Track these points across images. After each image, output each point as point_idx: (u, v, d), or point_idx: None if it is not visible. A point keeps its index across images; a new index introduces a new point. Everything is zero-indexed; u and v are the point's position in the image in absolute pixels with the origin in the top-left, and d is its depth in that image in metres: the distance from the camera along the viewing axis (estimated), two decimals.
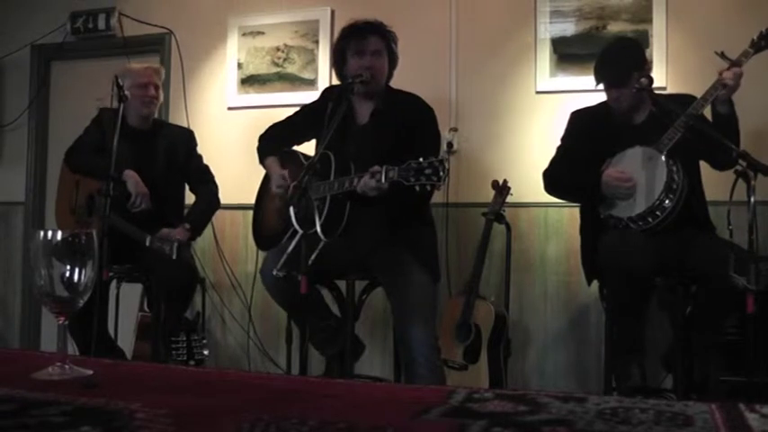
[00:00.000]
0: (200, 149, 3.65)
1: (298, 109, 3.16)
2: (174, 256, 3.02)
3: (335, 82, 3.19)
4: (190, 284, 3.30)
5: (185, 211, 3.57)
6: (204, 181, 3.58)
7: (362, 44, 2.88)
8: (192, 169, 3.57)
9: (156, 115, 3.58)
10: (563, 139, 3.03)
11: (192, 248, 3.66)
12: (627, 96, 2.80)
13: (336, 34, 3.03)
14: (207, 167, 3.63)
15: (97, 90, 3.53)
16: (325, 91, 3.14)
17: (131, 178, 3.21)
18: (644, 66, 2.87)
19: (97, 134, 3.39)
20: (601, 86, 2.92)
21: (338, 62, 2.97)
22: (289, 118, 3.15)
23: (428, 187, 2.34)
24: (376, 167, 2.47)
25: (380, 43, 2.88)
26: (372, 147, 2.78)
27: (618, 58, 2.87)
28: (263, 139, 3.14)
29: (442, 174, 2.29)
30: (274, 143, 3.10)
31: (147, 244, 3.09)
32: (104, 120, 3.42)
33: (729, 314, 2.73)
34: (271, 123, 3.18)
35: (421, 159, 2.32)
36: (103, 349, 3.01)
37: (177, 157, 3.51)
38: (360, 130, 2.92)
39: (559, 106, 3.58)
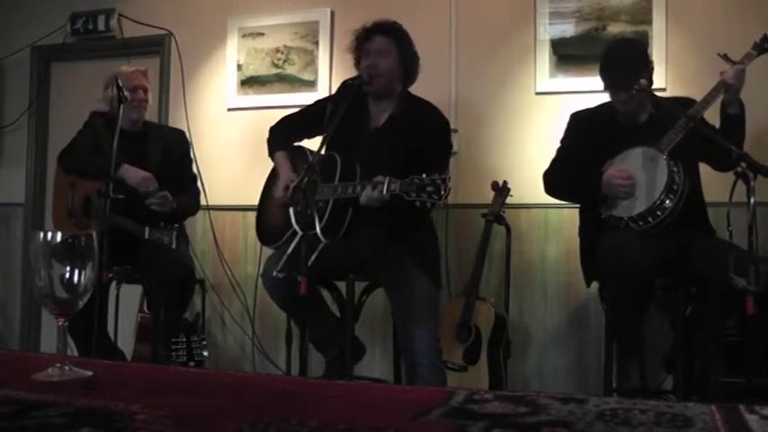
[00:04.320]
0: (192, 151, 3.67)
1: (312, 102, 3.14)
2: (174, 245, 3.04)
3: (335, 83, 3.18)
4: (188, 281, 3.29)
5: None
6: (190, 186, 3.61)
7: (367, 44, 2.89)
8: (183, 172, 3.59)
9: (154, 117, 3.58)
10: (563, 141, 3.03)
11: (191, 249, 3.66)
12: (634, 98, 2.79)
13: (336, 35, 3.04)
14: (195, 176, 3.69)
15: (97, 91, 3.52)
16: (342, 85, 3.02)
17: (127, 171, 3.21)
18: (648, 65, 2.85)
19: (90, 137, 3.40)
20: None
21: (357, 65, 2.97)
22: (302, 110, 3.13)
23: (428, 204, 2.36)
24: (380, 177, 2.47)
25: (385, 42, 2.88)
26: (382, 152, 2.77)
27: (623, 61, 2.83)
28: (273, 130, 3.10)
29: (443, 192, 2.31)
30: (286, 136, 3.07)
31: (146, 236, 3.10)
32: (96, 123, 3.42)
33: (729, 315, 2.73)
34: (270, 124, 3.15)
35: (424, 175, 2.33)
36: (103, 350, 3.00)
37: (173, 158, 3.52)
38: (373, 133, 2.91)
39: (559, 107, 3.58)
